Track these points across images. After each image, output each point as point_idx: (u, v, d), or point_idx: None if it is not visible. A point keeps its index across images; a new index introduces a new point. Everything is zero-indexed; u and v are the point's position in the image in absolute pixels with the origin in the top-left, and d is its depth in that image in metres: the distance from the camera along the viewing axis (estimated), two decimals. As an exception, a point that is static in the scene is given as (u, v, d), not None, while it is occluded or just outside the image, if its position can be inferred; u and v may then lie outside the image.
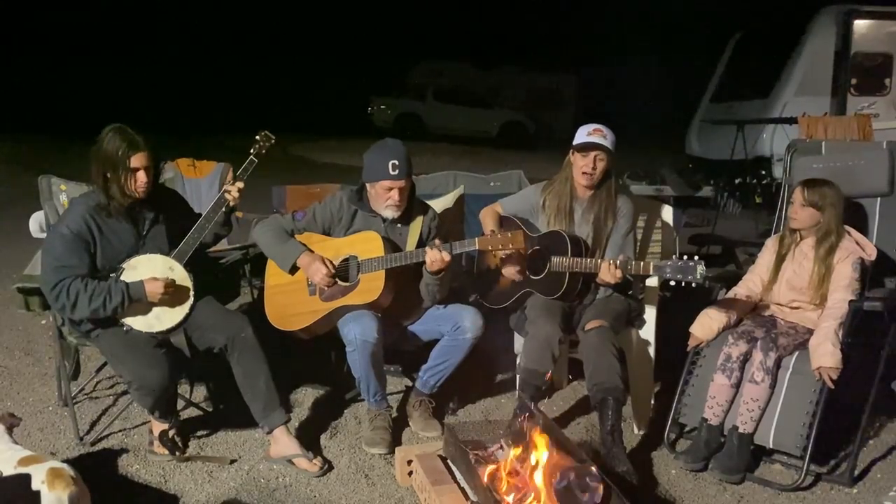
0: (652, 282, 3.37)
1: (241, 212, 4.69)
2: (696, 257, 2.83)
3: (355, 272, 3.10)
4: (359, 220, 3.21)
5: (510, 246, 2.94)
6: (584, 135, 3.18)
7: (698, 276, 2.79)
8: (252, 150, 3.16)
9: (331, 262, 3.12)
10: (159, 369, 2.78)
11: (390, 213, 3.13)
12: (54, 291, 2.76)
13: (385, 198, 3.09)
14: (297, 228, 3.24)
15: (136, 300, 2.83)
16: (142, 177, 2.80)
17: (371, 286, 3.05)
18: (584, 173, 3.17)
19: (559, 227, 3.21)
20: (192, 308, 2.95)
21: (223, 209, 3.04)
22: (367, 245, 3.10)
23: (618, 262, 2.96)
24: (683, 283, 2.84)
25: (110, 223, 2.86)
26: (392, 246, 3.12)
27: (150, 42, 22.09)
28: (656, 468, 3.04)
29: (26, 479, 2.07)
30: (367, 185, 3.16)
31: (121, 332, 2.88)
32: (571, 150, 3.22)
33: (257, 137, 3.19)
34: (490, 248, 2.99)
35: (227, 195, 3.03)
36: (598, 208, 3.23)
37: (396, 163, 3.04)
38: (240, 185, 3.06)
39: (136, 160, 2.77)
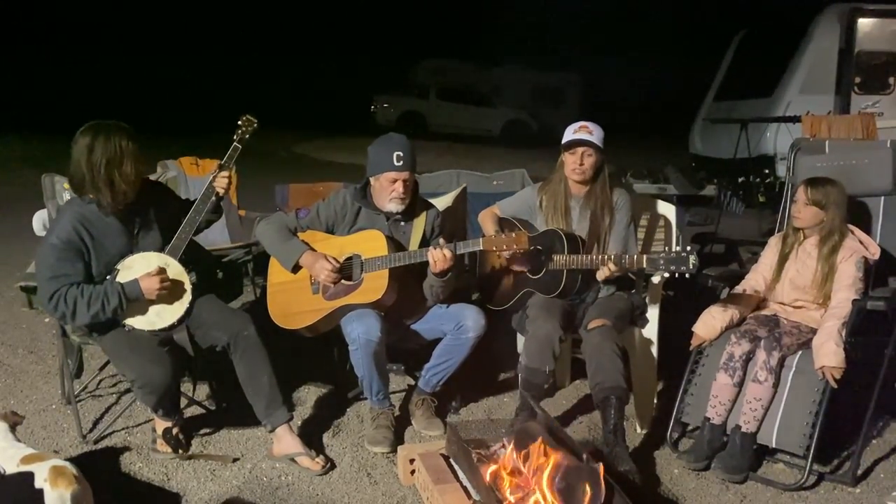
0: (655, 281, 3.37)
1: (244, 210, 4.72)
2: (689, 247, 2.84)
3: (359, 271, 3.10)
4: (362, 217, 3.21)
5: (514, 246, 2.94)
6: (570, 133, 3.22)
7: (691, 267, 2.80)
8: (235, 137, 3.13)
9: (334, 258, 3.12)
10: (162, 367, 2.78)
11: (394, 207, 3.13)
12: (52, 302, 2.74)
13: (389, 190, 3.09)
14: (299, 226, 3.24)
15: (134, 299, 2.81)
16: (141, 168, 2.82)
17: (375, 285, 3.05)
18: (573, 170, 3.20)
19: (557, 226, 3.22)
20: (191, 303, 2.93)
21: (212, 199, 3.02)
22: (370, 244, 3.10)
23: (612, 256, 2.98)
24: (677, 275, 2.84)
25: (101, 227, 2.83)
26: (395, 244, 3.12)
27: (154, 40, 22.11)
28: (659, 467, 3.04)
29: (29, 477, 2.08)
30: (372, 179, 3.15)
31: (122, 331, 2.88)
32: (561, 150, 3.24)
33: (239, 122, 3.16)
34: (494, 248, 2.99)
35: (214, 185, 3.02)
36: (594, 204, 3.25)
37: (401, 154, 3.04)
38: (225, 173, 3.05)
39: (136, 148, 2.78)
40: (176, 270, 2.92)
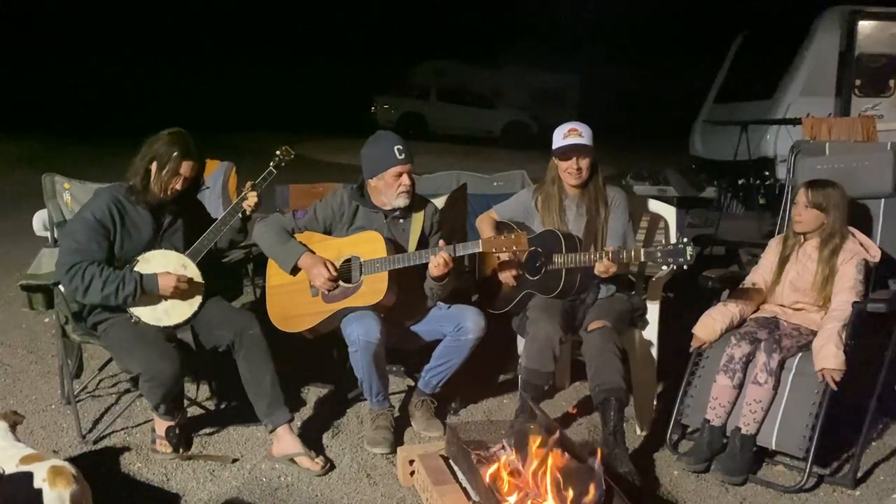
0: (655, 283, 3.36)
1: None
2: (685, 239, 2.84)
3: (358, 273, 3.10)
4: (360, 216, 3.21)
5: (514, 248, 2.93)
6: (560, 138, 3.21)
7: (688, 257, 2.80)
8: (272, 162, 3.27)
9: (332, 265, 3.11)
10: (170, 361, 2.80)
11: (403, 201, 3.12)
12: (70, 273, 2.81)
13: (396, 185, 3.09)
14: (297, 227, 3.24)
15: (149, 292, 2.87)
16: (181, 185, 2.93)
17: (374, 288, 3.04)
18: (570, 174, 3.22)
19: (553, 226, 3.23)
20: (200, 306, 2.99)
21: (239, 215, 3.12)
22: (369, 245, 3.10)
23: (609, 252, 2.98)
24: (675, 267, 2.84)
25: (133, 215, 2.93)
26: (394, 245, 3.12)
27: (156, 41, 22.13)
28: (658, 469, 3.04)
29: (28, 477, 2.08)
30: (373, 180, 3.14)
31: (129, 325, 2.91)
32: (553, 155, 3.24)
33: (278, 152, 3.31)
34: (494, 249, 2.98)
35: (244, 203, 3.11)
36: (588, 202, 3.26)
37: (400, 147, 3.07)
38: (255, 193, 3.14)
39: (185, 168, 2.91)
40: (193, 273, 2.98)
